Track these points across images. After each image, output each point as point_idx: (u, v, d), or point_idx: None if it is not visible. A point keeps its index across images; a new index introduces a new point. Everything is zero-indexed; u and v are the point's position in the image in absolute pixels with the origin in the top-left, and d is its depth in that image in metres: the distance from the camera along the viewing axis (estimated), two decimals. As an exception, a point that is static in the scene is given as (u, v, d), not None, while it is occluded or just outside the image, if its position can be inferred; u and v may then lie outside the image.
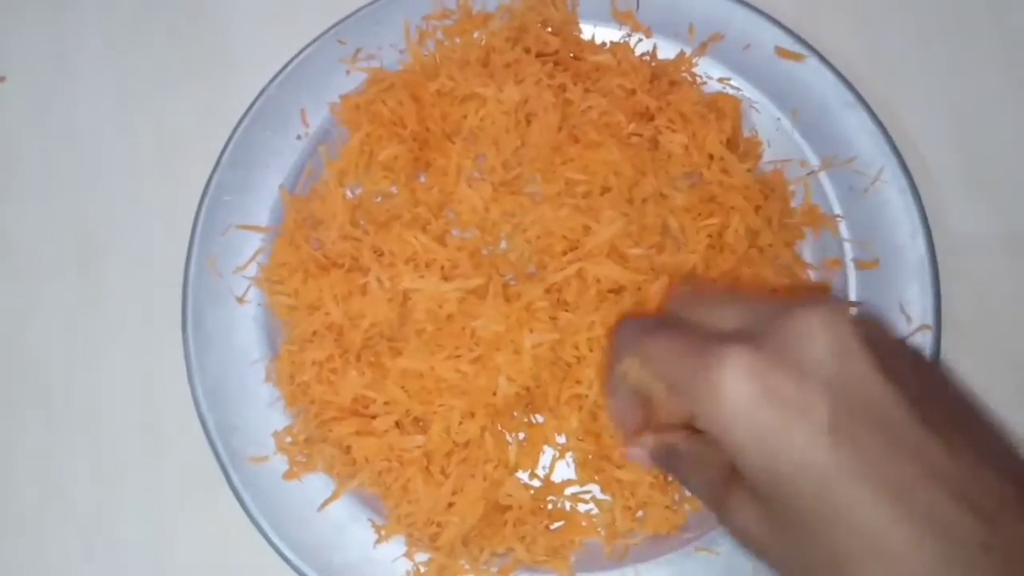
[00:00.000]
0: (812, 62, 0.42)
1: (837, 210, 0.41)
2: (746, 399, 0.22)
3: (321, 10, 0.44)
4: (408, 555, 0.37)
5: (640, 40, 0.43)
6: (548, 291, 0.38)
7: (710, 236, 0.39)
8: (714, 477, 0.25)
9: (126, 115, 0.45)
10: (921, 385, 0.22)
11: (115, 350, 0.42)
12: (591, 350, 0.37)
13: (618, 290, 0.39)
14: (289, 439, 0.38)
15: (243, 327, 0.40)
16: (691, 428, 0.27)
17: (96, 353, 0.42)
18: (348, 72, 0.43)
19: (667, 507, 0.37)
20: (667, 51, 0.43)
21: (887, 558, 0.20)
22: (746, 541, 0.25)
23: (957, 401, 0.23)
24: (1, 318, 0.43)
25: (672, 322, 0.26)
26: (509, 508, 0.38)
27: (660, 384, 0.26)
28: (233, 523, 0.37)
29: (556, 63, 0.42)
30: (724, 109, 0.42)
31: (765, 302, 0.25)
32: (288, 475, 0.38)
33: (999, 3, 0.45)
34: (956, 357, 0.38)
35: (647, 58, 0.43)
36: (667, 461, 0.28)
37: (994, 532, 0.20)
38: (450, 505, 0.37)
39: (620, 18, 0.43)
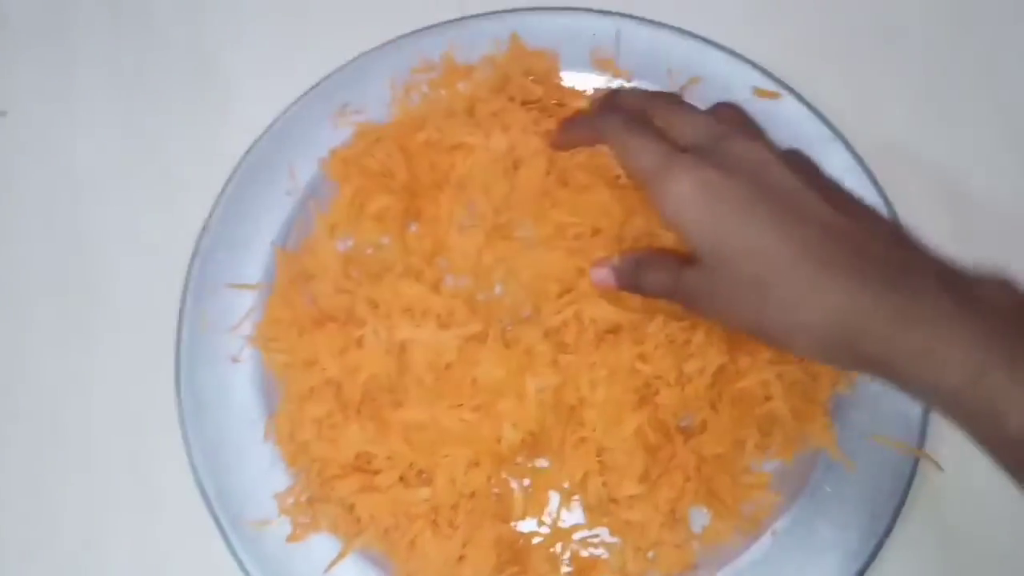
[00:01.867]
0: (789, 100, 0.43)
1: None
2: (689, 189, 0.30)
3: (320, 58, 0.44)
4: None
5: (621, 85, 0.44)
6: (547, 334, 0.38)
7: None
8: (671, 270, 0.33)
9: (125, 154, 0.45)
10: (820, 181, 0.31)
11: (107, 398, 0.41)
12: (593, 391, 0.37)
13: (615, 329, 0.39)
14: (291, 500, 0.37)
15: (239, 387, 0.39)
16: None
17: (87, 403, 0.41)
18: (336, 126, 0.43)
19: (677, 546, 0.37)
20: (647, 95, 0.44)
21: (793, 268, 0.29)
22: (698, 300, 0.32)
23: (845, 192, 0.32)
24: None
25: (647, 127, 0.33)
26: (520, 558, 0.37)
27: (623, 158, 0.33)
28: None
29: (541, 110, 0.43)
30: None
31: (717, 124, 0.32)
32: (292, 537, 0.37)
33: (967, 42, 0.47)
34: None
35: (628, 102, 0.44)
36: (633, 272, 0.35)
37: (863, 256, 0.28)
38: (461, 558, 0.36)
39: (600, 65, 0.44)
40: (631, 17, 0.45)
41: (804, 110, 0.43)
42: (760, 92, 0.43)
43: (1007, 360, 0.26)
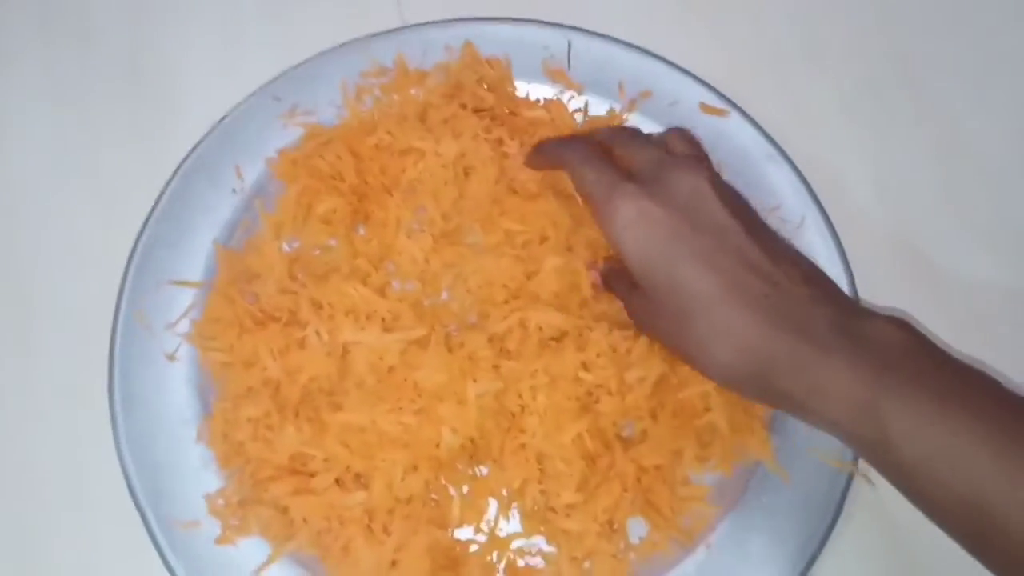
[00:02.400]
0: (735, 117, 0.44)
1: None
2: (628, 217, 0.33)
3: (263, 65, 0.44)
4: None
5: (572, 97, 0.45)
6: (491, 340, 0.38)
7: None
8: (625, 284, 0.36)
9: (62, 168, 0.44)
10: (749, 217, 0.34)
11: (42, 407, 0.40)
12: (535, 398, 0.37)
13: (560, 337, 0.39)
14: (221, 501, 0.36)
15: (173, 387, 0.38)
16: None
17: (22, 411, 0.40)
18: (285, 127, 0.43)
19: (613, 556, 0.37)
20: (598, 107, 0.45)
21: (710, 307, 0.31)
22: (639, 320, 0.36)
23: (768, 229, 0.35)
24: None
25: (601, 160, 0.36)
26: (454, 565, 0.36)
27: (580, 186, 0.36)
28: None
29: (492, 118, 0.43)
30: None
31: (665, 155, 0.35)
32: (221, 540, 0.36)
33: (910, 66, 0.48)
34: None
35: (579, 114, 0.45)
36: (606, 277, 0.39)
37: (777, 295, 0.31)
38: (393, 563, 0.35)
39: (552, 76, 0.45)
40: (582, 30, 0.45)
41: (750, 127, 0.44)
42: (706, 108, 0.44)
43: (896, 392, 0.28)
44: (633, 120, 0.44)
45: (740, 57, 0.48)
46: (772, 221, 0.42)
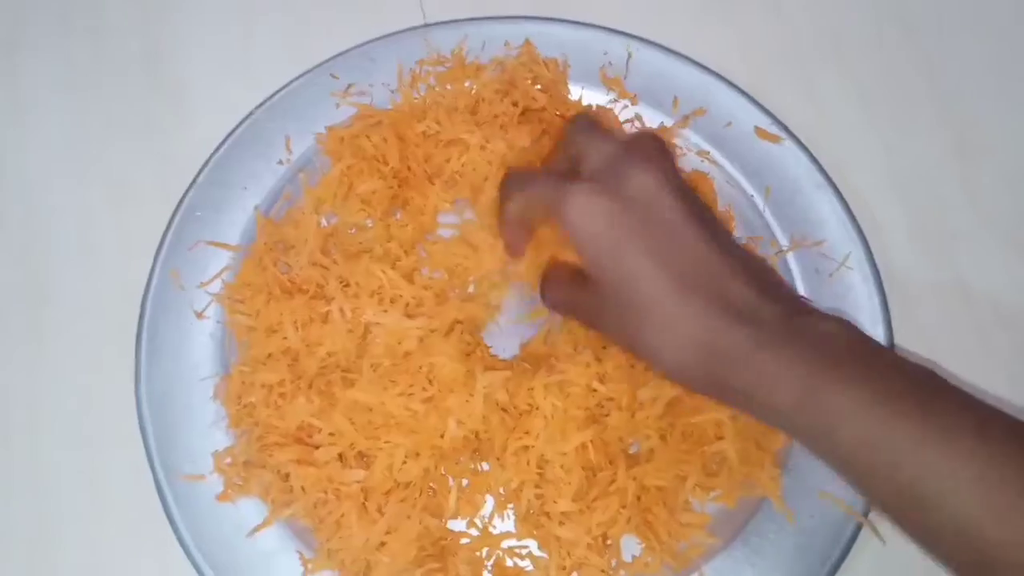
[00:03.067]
0: (788, 144, 0.43)
1: (802, 290, 0.41)
2: (580, 212, 0.32)
3: (275, 64, 0.45)
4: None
5: (626, 107, 0.44)
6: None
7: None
8: (569, 288, 0.36)
9: (78, 164, 0.45)
10: (705, 215, 0.33)
11: (62, 399, 0.41)
12: (544, 399, 0.37)
13: (578, 346, 0.39)
14: (228, 460, 0.37)
15: (198, 343, 0.39)
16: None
17: (42, 398, 0.41)
18: (338, 106, 0.44)
19: (602, 571, 0.36)
20: (651, 120, 0.44)
21: (660, 301, 0.31)
22: (588, 317, 0.36)
23: (722, 227, 0.34)
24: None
25: (543, 173, 0.37)
26: (442, 555, 0.37)
27: (539, 210, 0.36)
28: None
29: (540, 120, 0.43)
30: (699, 185, 0.43)
31: (623, 151, 0.34)
32: (222, 496, 0.37)
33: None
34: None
35: (631, 124, 0.44)
36: (544, 279, 0.39)
37: (725, 290, 0.31)
38: (382, 544, 0.36)
39: (608, 83, 0.44)
40: (646, 41, 0.45)
41: (803, 156, 0.43)
42: (762, 132, 0.43)
43: (837, 379, 0.29)
44: (685, 136, 0.44)
45: (805, 86, 0.47)
46: (814, 256, 0.41)
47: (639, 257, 0.32)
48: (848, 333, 0.31)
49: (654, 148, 0.34)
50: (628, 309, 0.32)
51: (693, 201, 0.33)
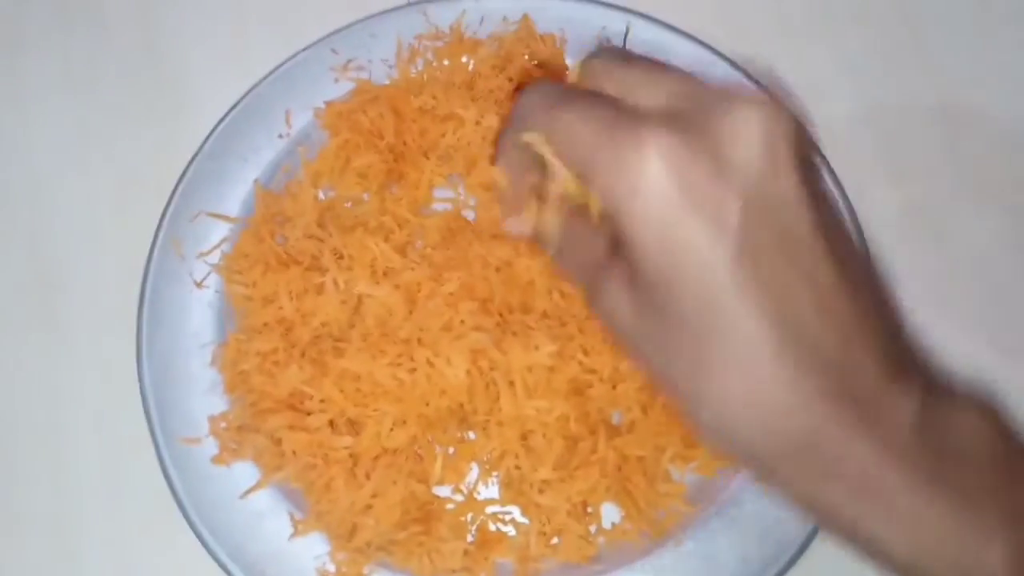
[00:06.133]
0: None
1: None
2: (660, 190, 0.20)
3: (273, 50, 0.45)
4: (331, 555, 0.37)
5: (621, 81, 0.44)
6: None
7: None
8: (587, 260, 0.25)
9: (82, 154, 0.46)
10: (829, 217, 0.22)
11: (70, 381, 0.42)
12: (529, 370, 0.38)
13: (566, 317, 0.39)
14: (223, 424, 0.39)
15: (198, 311, 0.41)
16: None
17: (50, 381, 0.42)
18: (336, 80, 0.45)
19: (581, 537, 0.37)
20: (647, 95, 0.44)
21: (749, 371, 0.21)
22: (612, 324, 0.24)
23: (843, 228, 0.23)
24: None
25: (586, 93, 0.23)
26: (427, 519, 0.38)
27: (561, 165, 0.24)
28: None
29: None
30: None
31: (704, 85, 0.22)
32: (216, 459, 0.38)
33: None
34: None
35: (627, 99, 0.44)
36: (547, 238, 0.28)
37: (850, 362, 0.21)
38: (368, 507, 0.37)
39: (604, 58, 0.44)
40: (644, 16, 0.45)
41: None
42: (755, 108, 0.43)
43: (1004, 538, 0.21)
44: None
45: (810, 56, 0.46)
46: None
47: (739, 289, 0.21)
48: (994, 436, 0.22)
49: (768, 102, 0.22)
50: (691, 345, 0.22)
51: (822, 203, 0.22)
